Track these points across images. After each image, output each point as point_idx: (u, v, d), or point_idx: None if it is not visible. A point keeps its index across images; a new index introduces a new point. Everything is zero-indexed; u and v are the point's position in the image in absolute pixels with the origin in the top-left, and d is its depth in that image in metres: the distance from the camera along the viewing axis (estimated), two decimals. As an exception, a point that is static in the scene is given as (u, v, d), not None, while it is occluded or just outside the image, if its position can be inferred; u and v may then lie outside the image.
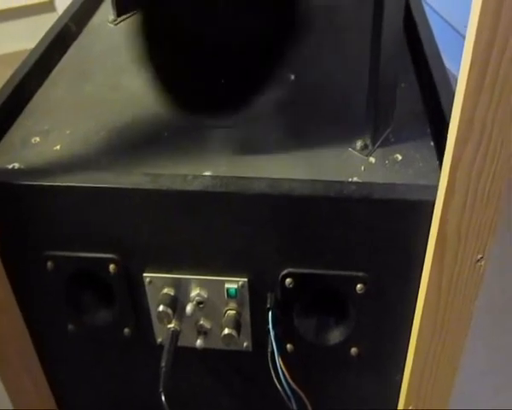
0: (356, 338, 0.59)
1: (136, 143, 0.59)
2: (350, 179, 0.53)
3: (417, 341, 0.55)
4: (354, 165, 0.55)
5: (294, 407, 0.56)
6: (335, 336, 0.59)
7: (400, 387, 0.61)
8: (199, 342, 0.59)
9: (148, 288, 0.58)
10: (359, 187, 0.51)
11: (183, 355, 0.58)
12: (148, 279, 0.57)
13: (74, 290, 0.60)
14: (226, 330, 0.57)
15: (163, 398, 0.54)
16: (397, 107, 0.58)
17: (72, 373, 0.69)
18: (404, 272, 0.54)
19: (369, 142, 0.57)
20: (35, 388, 0.68)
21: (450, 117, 0.43)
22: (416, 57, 0.68)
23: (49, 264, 0.58)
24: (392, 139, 0.58)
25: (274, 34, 0.53)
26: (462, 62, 0.40)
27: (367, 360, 0.60)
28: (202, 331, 0.59)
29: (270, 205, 0.52)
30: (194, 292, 0.57)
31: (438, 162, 0.54)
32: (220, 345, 0.59)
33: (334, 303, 0.57)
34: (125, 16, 0.80)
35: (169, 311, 0.57)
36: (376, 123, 0.56)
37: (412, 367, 0.57)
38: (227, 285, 0.57)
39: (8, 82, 0.64)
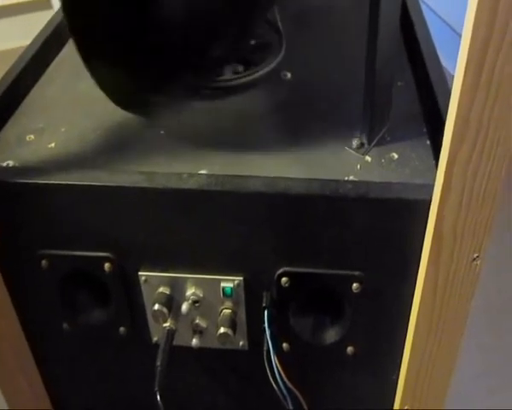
0: (352, 337, 0.58)
1: (131, 141, 0.59)
2: (346, 178, 0.53)
3: (413, 340, 0.55)
4: (350, 163, 0.55)
5: (290, 406, 0.56)
6: (331, 335, 0.59)
7: (396, 386, 0.61)
8: (194, 341, 0.59)
9: (143, 287, 0.58)
10: (355, 186, 0.51)
11: (178, 354, 0.58)
12: (143, 278, 0.57)
13: (69, 289, 0.60)
14: (222, 329, 0.57)
15: (158, 397, 0.54)
16: (393, 106, 0.58)
17: (67, 373, 0.69)
18: (400, 271, 0.54)
19: (365, 140, 0.56)
20: (30, 388, 0.68)
21: (446, 116, 0.43)
22: (413, 56, 0.68)
23: (44, 263, 0.57)
24: (389, 138, 0.58)
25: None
26: (458, 60, 0.40)
27: (363, 360, 0.60)
28: (198, 330, 0.59)
29: (265, 204, 0.52)
30: (190, 291, 0.57)
31: (434, 161, 0.54)
32: (216, 344, 0.59)
33: (330, 302, 0.57)
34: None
35: (164, 310, 0.57)
36: (373, 122, 0.56)
37: (408, 367, 0.57)
38: (223, 284, 0.56)
39: (3, 79, 0.63)
